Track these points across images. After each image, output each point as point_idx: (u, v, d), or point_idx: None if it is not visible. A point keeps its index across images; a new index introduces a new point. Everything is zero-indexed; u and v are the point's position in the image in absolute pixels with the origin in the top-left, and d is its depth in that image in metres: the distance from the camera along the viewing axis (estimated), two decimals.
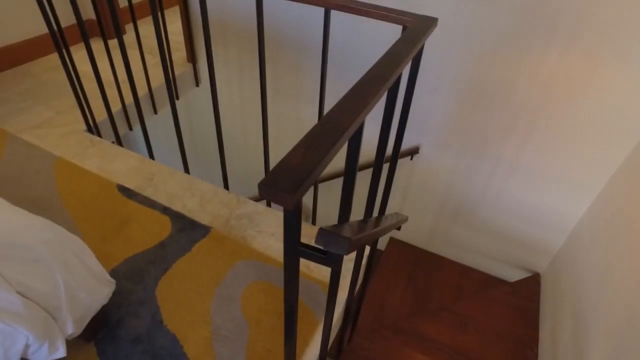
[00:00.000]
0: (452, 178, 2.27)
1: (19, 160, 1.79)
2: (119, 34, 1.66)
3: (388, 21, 1.05)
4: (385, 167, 1.11)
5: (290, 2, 1.19)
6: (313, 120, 2.46)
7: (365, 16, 1.07)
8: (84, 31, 1.73)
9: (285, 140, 2.67)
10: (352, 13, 1.09)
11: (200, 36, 2.57)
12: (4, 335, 0.86)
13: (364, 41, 2.02)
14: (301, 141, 0.53)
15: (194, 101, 2.92)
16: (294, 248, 0.55)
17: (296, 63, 2.28)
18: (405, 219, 1.26)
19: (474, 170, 2.18)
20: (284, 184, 0.46)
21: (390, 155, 1.17)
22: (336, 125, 0.57)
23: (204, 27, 1.38)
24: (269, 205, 1.70)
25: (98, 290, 1.07)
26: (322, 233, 0.50)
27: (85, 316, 1.06)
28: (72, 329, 1.01)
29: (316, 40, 2.15)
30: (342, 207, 0.77)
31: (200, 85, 2.71)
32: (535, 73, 1.76)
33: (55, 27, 1.71)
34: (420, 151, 2.24)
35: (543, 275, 2.34)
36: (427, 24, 0.97)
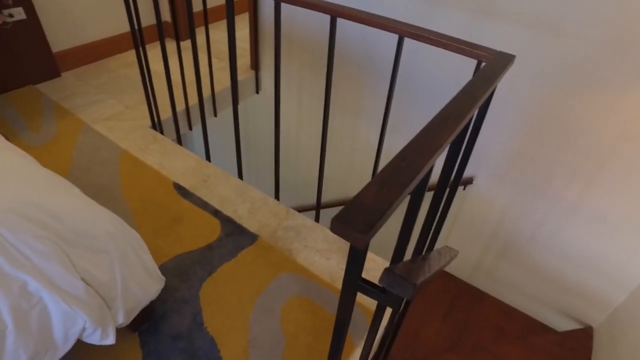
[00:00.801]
0: (505, 213, 2.18)
1: (89, 149, 1.91)
2: (193, 37, 1.74)
3: (463, 54, 1.04)
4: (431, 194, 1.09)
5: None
6: (369, 137, 2.46)
7: (440, 47, 1.06)
8: (161, 33, 1.83)
9: (338, 155, 2.68)
10: (427, 43, 1.09)
11: (265, 45, 2.64)
12: (66, 316, 0.91)
13: (427, 65, 2.00)
14: (375, 178, 0.53)
15: (253, 107, 3.00)
16: (354, 283, 0.55)
17: (357, 79, 2.29)
18: (456, 254, 1.23)
19: (529, 208, 2.09)
20: (357, 223, 0.46)
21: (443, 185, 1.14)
22: (411, 164, 0.56)
23: (275, 39, 1.42)
24: (317, 220, 1.71)
25: (149, 285, 1.12)
26: (389, 274, 0.49)
27: (135, 308, 1.10)
28: (122, 319, 1.06)
29: (379, 59, 2.15)
30: (399, 242, 0.76)
31: (260, 92, 2.79)
32: (611, 113, 1.67)
33: (136, 27, 1.81)
34: (474, 182, 2.17)
35: (597, 330, 2.19)
36: (504, 61, 0.95)
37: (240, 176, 1.87)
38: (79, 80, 2.51)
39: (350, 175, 2.74)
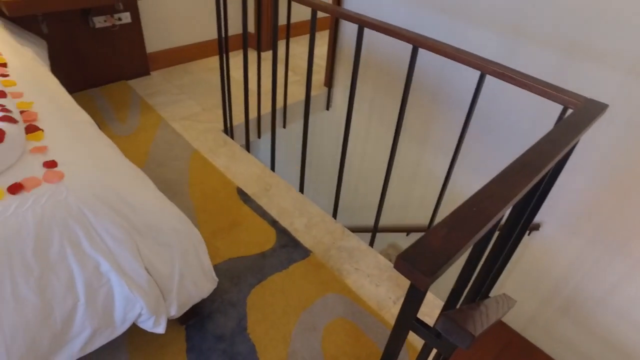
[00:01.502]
0: (574, 268, 2.03)
1: (165, 144, 2.04)
2: (275, 50, 1.81)
3: (547, 98, 1.00)
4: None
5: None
6: (433, 168, 2.41)
7: (523, 88, 1.02)
8: (245, 44, 1.93)
9: (399, 180, 2.65)
10: (509, 82, 1.06)
11: (341, 64, 2.69)
12: (127, 300, 0.98)
13: (505, 103, 1.94)
14: (444, 221, 0.52)
15: (321, 123, 3.06)
16: (409, 322, 0.54)
17: (429, 108, 2.27)
18: (514, 304, 1.16)
19: (603, 267, 1.92)
20: (422, 265, 0.46)
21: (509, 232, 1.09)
22: (482, 211, 0.55)
23: (354, 63, 1.44)
24: (371, 245, 1.69)
25: (203, 284, 1.16)
26: (446, 321, 0.48)
27: (187, 303, 1.15)
28: (174, 311, 1.11)
29: (455, 91, 2.11)
30: (457, 285, 0.74)
31: (330, 109, 2.83)
32: None
33: (223, 36, 1.92)
34: (541, 229, 2.05)
35: None
36: (594, 110, 0.90)
37: (302, 190, 1.90)
38: (165, 79, 2.71)
39: (409, 203, 2.69)
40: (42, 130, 1.03)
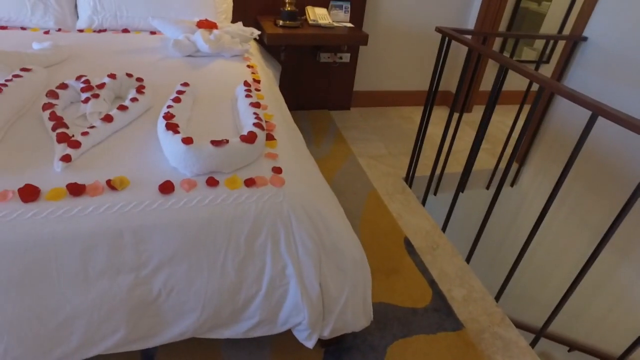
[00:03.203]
0: None
1: (349, 176, 2.20)
2: (485, 120, 1.79)
3: None
4: None
5: None
6: (631, 286, 2.03)
7: None
8: (454, 105, 1.96)
9: (585, 292, 2.28)
10: None
11: (540, 142, 2.52)
12: (295, 306, 1.07)
13: None
14: None
15: (500, 198, 2.88)
16: None
17: None
18: None
19: None
20: None
21: None
22: None
23: (572, 154, 1.34)
24: (532, 345, 1.51)
25: (360, 318, 1.19)
26: None
27: (339, 330, 1.20)
28: (327, 333, 1.16)
29: None
30: None
31: (514, 186, 2.66)
32: None
33: (433, 90, 2.00)
34: None
35: None
36: None
37: (468, 260, 1.81)
38: (361, 117, 2.93)
39: (583, 314, 2.31)
40: (276, 140, 1.22)
